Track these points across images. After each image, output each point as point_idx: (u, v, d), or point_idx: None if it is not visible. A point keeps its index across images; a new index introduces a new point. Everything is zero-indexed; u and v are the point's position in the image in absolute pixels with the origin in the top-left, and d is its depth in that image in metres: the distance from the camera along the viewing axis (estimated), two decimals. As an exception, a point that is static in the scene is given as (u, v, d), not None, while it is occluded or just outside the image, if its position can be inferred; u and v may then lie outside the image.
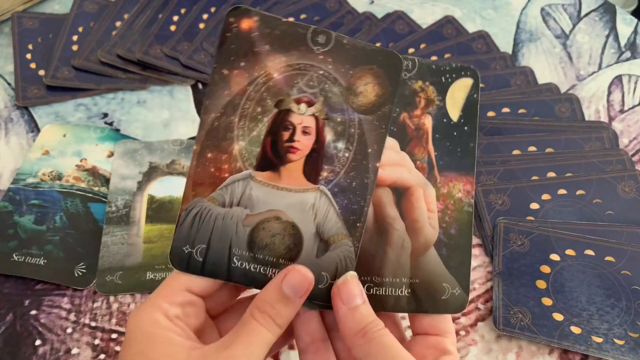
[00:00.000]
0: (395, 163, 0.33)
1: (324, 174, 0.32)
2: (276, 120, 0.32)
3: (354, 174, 0.32)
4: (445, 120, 0.33)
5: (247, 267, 0.31)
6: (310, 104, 0.32)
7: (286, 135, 0.32)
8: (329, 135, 0.32)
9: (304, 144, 0.32)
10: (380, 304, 0.32)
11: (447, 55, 0.65)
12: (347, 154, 0.32)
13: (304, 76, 0.32)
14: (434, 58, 0.64)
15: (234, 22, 0.31)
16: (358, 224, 0.32)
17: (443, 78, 0.33)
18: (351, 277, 0.31)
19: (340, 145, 0.32)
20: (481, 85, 0.62)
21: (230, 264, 0.31)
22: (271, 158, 0.32)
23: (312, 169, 0.32)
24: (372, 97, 0.32)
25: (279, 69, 0.32)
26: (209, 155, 0.32)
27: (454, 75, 0.33)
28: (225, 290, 0.34)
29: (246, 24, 0.31)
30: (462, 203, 0.33)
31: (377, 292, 0.32)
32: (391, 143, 0.33)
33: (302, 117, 0.32)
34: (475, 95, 0.34)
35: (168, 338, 0.30)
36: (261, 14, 0.31)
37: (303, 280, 0.30)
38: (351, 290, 0.30)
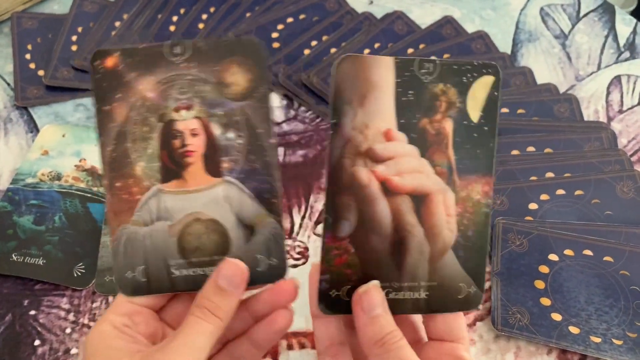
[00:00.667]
0: (414, 170, 0.32)
1: (225, 165, 0.33)
2: (164, 133, 0.33)
3: (254, 157, 0.33)
4: (465, 122, 0.33)
5: (187, 273, 0.33)
6: (188, 108, 0.33)
7: (177, 143, 0.34)
8: (216, 130, 0.33)
9: (196, 144, 0.34)
10: (398, 307, 0.32)
11: (446, 56, 0.65)
12: (240, 141, 0.33)
13: (174, 86, 0.33)
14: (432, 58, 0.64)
15: (99, 64, 0.33)
16: (274, 200, 0.33)
17: (464, 78, 0.32)
18: (374, 286, 0.31)
19: (231, 135, 0.33)
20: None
21: (171, 275, 0.33)
22: (171, 167, 0.34)
23: (212, 165, 0.34)
24: (245, 84, 0.33)
25: (150, 88, 0.33)
26: (118, 184, 0.34)
27: (475, 74, 0.33)
28: (178, 300, 0.35)
29: (110, 62, 0.33)
30: (480, 205, 0.33)
31: (395, 297, 0.32)
32: (410, 150, 0.32)
33: (186, 122, 0.33)
34: (496, 93, 0.33)
35: (111, 345, 0.31)
36: (120, 49, 0.33)
37: (235, 269, 0.31)
38: (372, 299, 0.31)
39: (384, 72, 0.32)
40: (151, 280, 0.33)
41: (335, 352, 0.33)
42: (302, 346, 0.45)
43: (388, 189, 0.32)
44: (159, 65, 0.33)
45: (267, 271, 0.33)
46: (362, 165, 0.32)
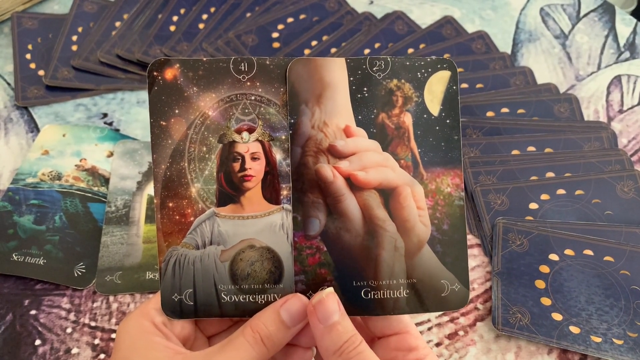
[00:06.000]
0: (378, 164, 0.32)
1: (284, 192, 0.33)
2: (223, 155, 0.33)
3: None
4: (425, 115, 0.33)
5: (237, 300, 0.33)
6: (251, 130, 0.33)
7: (237, 166, 0.33)
8: (278, 155, 0.33)
9: (256, 169, 0.33)
10: (379, 308, 0.32)
11: (446, 56, 0.65)
12: None
13: (238, 106, 0.32)
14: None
15: (157, 75, 0.32)
16: None
17: (419, 73, 0.33)
18: (327, 294, 0.30)
19: None
20: (480, 85, 0.62)
21: (220, 300, 0.33)
22: (229, 191, 0.33)
23: (271, 191, 0.33)
24: None
25: (212, 106, 0.32)
26: (171, 204, 0.33)
27: (429, 70, 0.33)
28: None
29: (170, 73, 0.32)
30: (452, 197, 0.33)
31: (375, 296, 0.32)
32: (372, 145, 0.32)
33: (247, 144, 0.33)
34: (454, 87, 0.33)
35: (152, 342, 0.30)
36: (181, 60, 0.32)
37: (301, 306, 0.31)
38: (327, 308, 0.30)
39: (337, 71, 0.32)
40: (198, 304, 0.33)
41: None
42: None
43: (354, 185, 0.32)
44: (223, 81, 0.32)
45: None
46: (325, 162, 0.32)
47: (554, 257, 0.48)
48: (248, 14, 0.68)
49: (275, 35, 0.66)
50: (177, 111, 0.32)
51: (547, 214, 0.51)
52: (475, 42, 0.67)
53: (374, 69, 0.33)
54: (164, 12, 0.66)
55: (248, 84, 0.32)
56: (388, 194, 0.32)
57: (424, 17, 0.70)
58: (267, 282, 0.33)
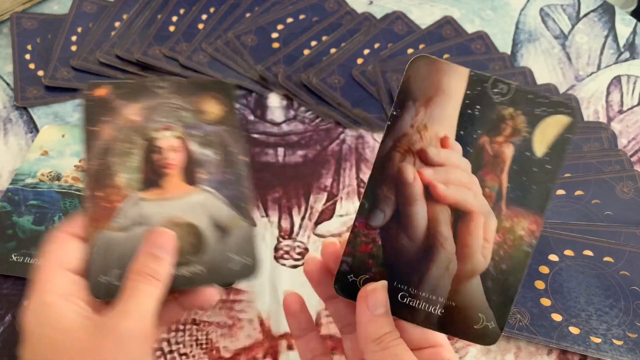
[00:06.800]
0: (462, 184, 0.32)
1: (201, 176, 0.37)
2: (148, 149, 0.38)
3: (229, 170, 0.37)
4: (528, 153, 0.32)
5: None
6: (170, 129, 0.38)
7: (159, 157, 0.37)
8: (194, 147, 0.38)
9: (176, 159, 0.38)
10: (410, 315, 0.32)
11: (445, 56, 0.65)
12: (217, 157, 0.38)
13: (158, 111, 0.38)
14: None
15: (89, 94, 0.38)
16: (245, 206, 0.37)
17: (537, 110, 0.32)
18: (381, 286, 0.31)
19: (208, 152, 0.38)
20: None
21: None
22: (152, 177, 0.37)
23: (189, 175, 0.37)
24: (218, 112, 0.38)
25: (135, 113, 0.38)
26: (98, 194, 0.36)
27: (550, 110, 0.32)
28: None
29: (100, 92, 0.38)
30: (523, 241, 0.32)
31: (410, 303, 0.32)
32: (463, 164, 0.32)
33: (167, 140, 0.38)
34: (568, 136, 0.32)
35: (61, 314, 0.31)
36: (112, 84, 0.38)
37: (165, 237, 0.34)
38: (378, 298, 0.31)
39: (456, 80, 0.32)
40: None
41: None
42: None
43: (430, 195, 0.31)
44: (145, 95, 0.39)
45: (241, 270, 0.36)
46: (410, 163, 0.32)
47: (553, 257, 0.48)
48: (247, 14, 0.68)
49: (274, 35, 0.66)
50: (105, 119, 0.37)
51: (547, 214, 0.51)
52: (474, 42, 0.67)
53: (495, 90, 0.32)
54: (164, 13, 0.66)
55: (165, 94, 0.39)
56: (460, 216, 0.32)
57: (424, 17, 0.70)
58: (191, 254, 0.35)
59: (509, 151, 0.32)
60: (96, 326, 0.31)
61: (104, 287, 0.34)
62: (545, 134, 0.32)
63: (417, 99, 0.32)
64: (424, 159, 0.32)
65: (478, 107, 0.32)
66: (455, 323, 0.32)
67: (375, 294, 0.31)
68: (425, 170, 0.31)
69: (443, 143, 0.32)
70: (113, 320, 0.31)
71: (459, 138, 0.32)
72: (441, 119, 0.32)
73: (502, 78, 0.32)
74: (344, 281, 0.32)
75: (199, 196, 0.37)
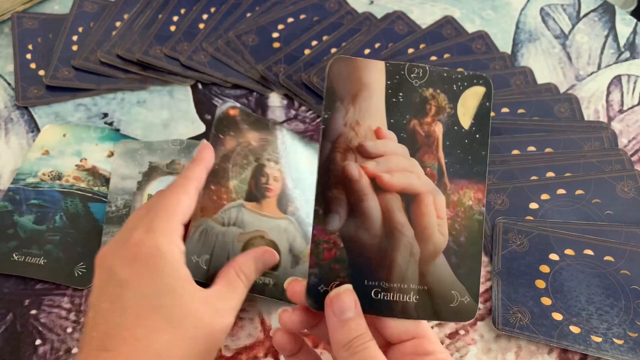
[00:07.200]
0: (404, 169, 0.32)
1: (290, 208, 0.45)
2: (257, 169, 0.46)
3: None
4: (456, 128, 0.33)
5: None
6: (276, 162, 0.47)
7: (263, 180, 0.46)
8: (289, 184, 0.46)
9: (275, 187, 0.46)
10: (387, 309, 0.32)
11: (446, 56, 0.65)
12: (303, 197, 0.46)
13: (270, 145, 0.47)
14: (433, 58, 0.65)
15: (225, 110, 0.48)
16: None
17: (455, 86, 0.33)
18: (345, 290, 0.31)
19: (299, 191, 0.46)
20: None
21: None
22: (255, 193, 0.45)
23: (282, 204, 0.45)
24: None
25: (255, 139, 0.47)
26: (212, 187, 0.44)
27: (465, 84, 0.33)
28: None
29: (232, 111, 0.48)
30: (473, 211, 0.33)
31: (385, 298, 0.32)
32: (401, 150, 0.33)
33: (273, 170, 0.46)
34: (487, 104, 0.33)
35: (185, 276, 0.34)
36: (243, 110, 0.48)
37: (274, 258, 0.41)
38: (343, 303, 0.31)
39: (375, 74, 0.33)
40: (210, 270, 0.40)
41: None
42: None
43: (378, 186, 0.32)
44: (264, 130, 0.48)
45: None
46: (352, 161, 0.32)
47: (554, 256, 0.48)
48: (248, 14, 0.68)
49: (275, 35, 0.66)
50: (232, 133, 0.47)
51: (547, 213, 0.51)
52: (475, 42, 0.67)
53: (412, 75, 0.33)
54: (164, 12, 0.66)
55: (279, 134, 0.48)
56: (410, 200, 0.32)
57: (424, 17, 0.70)
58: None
59: (438, 129, 0.33)
60: (208, 303, 0.34)
61: (193, 266, 0.39)
62: (467, 106, 0.33)
63: (344, 99, 0.33)
64: (364, 153, 0.32)
65: (401, 94, 0.33)
66: (431, 306, 0.32)
67: (339, 299, 0.31)
68: (367, 163, 0.32)
69: (377, 134, 0.33)
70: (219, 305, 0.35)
71: (390, 126, 0.33)
72: (370, 112, 0.33)
73: (415, 63, 0.34)
74: (315, 294, 0.32)
75: (286, 223, 0.45)
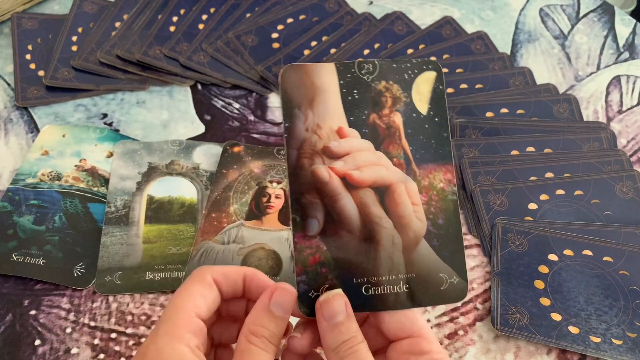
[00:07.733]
0: (372, 163, 0.33)
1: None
2: (257, 192, 0.52)
3: None
4: (414, 115, 0.34)
5: None
6: (279, 182, 0.52)
7: (264, 200, 0.51)
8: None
9: (276, 203, 0.51)
10: (380, 303, 0.32)
11: (445, 56, 0.65)
12: None
13: (274, 169, 0.53)
14: (432, 59, 0.65)
15: (229, 149, 0.54)
16: None
17: (406, 75, 0.34)
18: (334, 294, 0.31)
19: None
20: (479, 85, 0.62)
21: None
22: (255, 212, 0.50)
23: (284, 218, 0.50)
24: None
25: (257, 167, 0.53)
26: (213, 215, 0.50)
27: (416, 71, 0.34)
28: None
29: (237, 149, 0.55)
30: (445, 192, 0.34)
31: (376, 292, 0.32)
32: (365, 145, 0.33)
33: (275, 189, 0.52)
34: (440, 87, 0.34)
35: None
36: (247, 146, 0.54)
37: (289, 296, 0.32)
38: (332, 307, 0.31)
39: (326, 76, 0.33)
40: None
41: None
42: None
43: (349, 184, 0.32)
44: (268, 157, 0.54)
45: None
46: (320, 164, 0.33)
47: (553, 257, 0.48)
48: (248, 15, 0.68)
49: (274, 35, 0.66)
50: (235, 167, 0.53)
51: (546, 214, 0.51)
52: (474, 42, 0.67)
53: (363, 71, 0.34)
54: (164, 13, 0.66)
55: (283, 160, 0.51)
56: (383, 192, 0.33)
57: (424, 17, 0.70)
58: (268, 274, 0.43)
59: (398, 119, 0.34)
60: None
61: None
62: (421, 92, 0.34)
63: (301, 105, 0.33)
64: (330, 154, 0.33)
65: (355, 91, 0.34)
66: (423, 292, 0.33)
67: (328, 304, 0.31)
68: (335, 164, 0.33)
69: (340, 134, 0.33)
70: None
71: (351, 124, 0.33)
72: (329, 113, 0.33)
73: (364, 59, 0.34)
74: (307, 301, 0.32)
75: (287, 233, 0.49)
